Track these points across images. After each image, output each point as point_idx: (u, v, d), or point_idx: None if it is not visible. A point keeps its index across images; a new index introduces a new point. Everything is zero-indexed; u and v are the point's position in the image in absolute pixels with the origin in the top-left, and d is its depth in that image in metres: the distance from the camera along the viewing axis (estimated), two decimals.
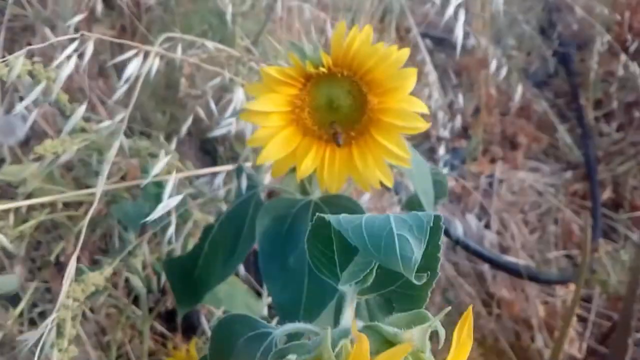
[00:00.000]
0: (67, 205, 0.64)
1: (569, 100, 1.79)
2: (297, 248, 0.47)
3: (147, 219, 0.46)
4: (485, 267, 1.33)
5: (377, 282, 0.26)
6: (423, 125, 0.43)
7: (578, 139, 1.67)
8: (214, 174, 0.72)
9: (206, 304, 0.71)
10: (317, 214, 0.27)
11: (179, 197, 0.47)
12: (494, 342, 1.29)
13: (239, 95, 0.61)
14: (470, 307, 0.24)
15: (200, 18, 0.97)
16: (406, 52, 0.42)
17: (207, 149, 1.13)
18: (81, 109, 0.52)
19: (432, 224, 0.24)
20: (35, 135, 1.05)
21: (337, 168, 0.45)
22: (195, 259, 0.53)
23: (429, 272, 0.25)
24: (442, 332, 0.25)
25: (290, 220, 0.48)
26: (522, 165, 1.65)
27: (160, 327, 0.96)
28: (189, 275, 0.53)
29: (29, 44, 1.29)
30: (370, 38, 0.42)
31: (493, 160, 1.64)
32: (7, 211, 0.55)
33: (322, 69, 0.43)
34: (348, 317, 0.26)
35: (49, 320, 0.44)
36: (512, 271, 1.10)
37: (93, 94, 0.98)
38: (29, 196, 0.58)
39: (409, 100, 0.43)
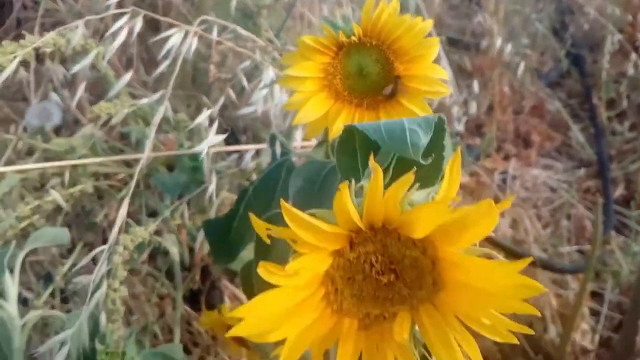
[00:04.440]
0: (107, 176, 0.69)
1: (582, 100, 1.82)
2: (327, 206, 0.50)
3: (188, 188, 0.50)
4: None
5: (394, 179, 0.30)
6: (445, 90, 0.47)
7: (591, 138, 1.70)
8: (242, 153, 0.76)
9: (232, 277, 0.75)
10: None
11: (221, 137, 0.50)
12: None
13: (268, 74, 0.66)
14: (459, 149, 0.28)
15: (225, 10, 1.01)
16: (430, 22, 0.46)
17: (227, 139, 1.18)
18: (128, 75, 0.56)
19: (437, 121, 0.29)
20: (66, 124, 1.10)
21: None
22: (231, 220, 0.57)
23: (435, 155, 0.30)
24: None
25: (321, 182, 0.51)
26: (536, 163, 1.67)
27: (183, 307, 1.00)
28: (226, 235, 0.57)
29: None
30: (397, 10, 0.46)
31: (507, 158, 1.67)
32: (61, 174, 0.60)
33: (353, 38, 0.47)
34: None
35: (101, 264, 0.48)
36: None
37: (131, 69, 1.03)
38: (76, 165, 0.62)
39: (433, 68, 0.47)
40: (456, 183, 0.29)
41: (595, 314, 1.30)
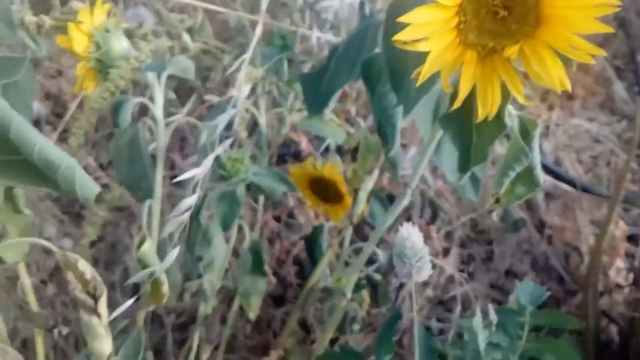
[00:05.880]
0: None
1: (627, 61, 1.87)
2: None
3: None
4: (539, 196, 1.44)
5: None
6: None
7: (634, 95, 1.75)
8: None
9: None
10: None
11: None
12: (545, 263, 1.40)
13: None
14: None
15: None
16: None
17: None
18: None
19: None
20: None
21: None
22: (323, 73, 0.67)
23: None
24: None
25: None
26: (579, 114, 1.74)
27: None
28: (317, 86, 0.67)
29: None
30: None
31: (551, 108, 1.74)
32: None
33: None
34: None
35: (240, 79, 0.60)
36: (565, 180, 1.21)
37: None
38: None
39: None
40: None
41: (631, 256, 1.36)
